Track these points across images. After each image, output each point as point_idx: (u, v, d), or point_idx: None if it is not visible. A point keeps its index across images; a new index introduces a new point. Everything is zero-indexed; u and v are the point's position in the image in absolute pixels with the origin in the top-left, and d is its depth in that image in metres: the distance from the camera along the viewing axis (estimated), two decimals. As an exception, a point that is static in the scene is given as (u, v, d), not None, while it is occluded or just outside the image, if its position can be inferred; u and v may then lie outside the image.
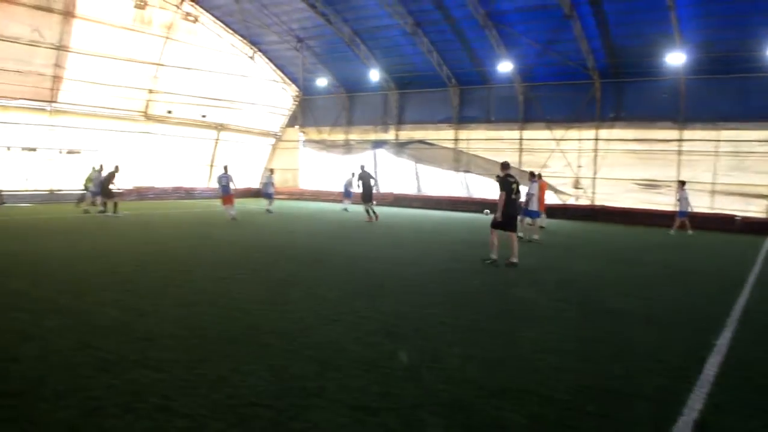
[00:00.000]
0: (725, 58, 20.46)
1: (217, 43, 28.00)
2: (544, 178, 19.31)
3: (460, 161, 26.25)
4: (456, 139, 26.96)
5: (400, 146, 28.59)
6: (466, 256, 10.88)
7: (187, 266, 8.99)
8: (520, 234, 13.48)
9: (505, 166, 10.57)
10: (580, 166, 24.02)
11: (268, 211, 21.54)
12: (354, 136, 30.44)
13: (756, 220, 20.62)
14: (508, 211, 10.10)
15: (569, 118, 23.85)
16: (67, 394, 3.73)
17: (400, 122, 28.71)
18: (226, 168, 18.79)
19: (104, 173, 19.38)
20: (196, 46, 27.05)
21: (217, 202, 20.78)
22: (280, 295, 6.97)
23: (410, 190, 28.60)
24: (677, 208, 18.81)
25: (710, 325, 5.78)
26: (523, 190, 12.48)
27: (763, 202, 20.86)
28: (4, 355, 4.49)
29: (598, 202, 23.41)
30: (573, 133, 24.04)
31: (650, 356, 4.71)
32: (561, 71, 23.60)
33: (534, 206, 14.78)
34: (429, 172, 27.59)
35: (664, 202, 22.33)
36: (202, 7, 26.51)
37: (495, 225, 10.19)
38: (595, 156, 23.66)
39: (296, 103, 32.38)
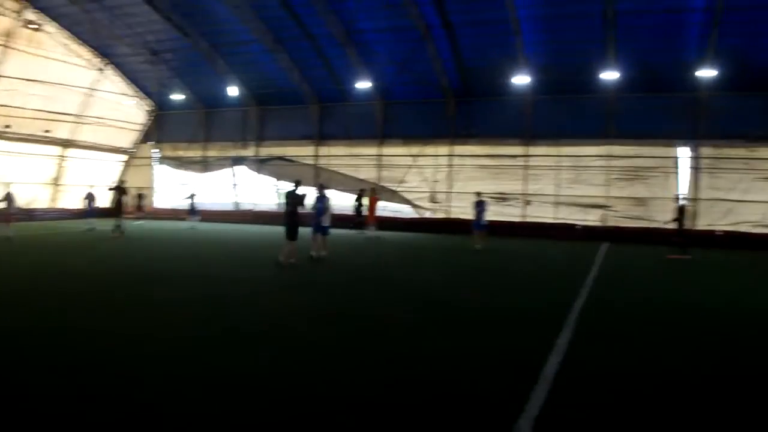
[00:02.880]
0: (564, 80, 26.52)
1: (64, 54, 31.23)
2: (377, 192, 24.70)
3: (320, 177, 29.92)
4: (316, 156, 31.53)
5: (261, 162, 32.96)
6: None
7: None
8: (312, 252, 14.99)
9: (296, 183, 14.36)
10: (436, 181, 29.36)
11: (91, 229, 24.98)
12: (212, 153, 34.60)
13: (594, 227, 26.66)
14: (288, 222, 13.43)
15: (425, 135, 28.96)
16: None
17: (261, 138, 33.16)
18: (8, 185, 22.62)
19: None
20: (40, 57, 30.13)
21: (65, 223, 24.60)
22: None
23: (271, 206, 32.66)
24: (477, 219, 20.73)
25: (553, 325, 7.23)
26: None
27: (599, 211, 27.12)
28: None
29: (453, 215, 28.55)
30: (429, 150, 29.13)
31: (496, 358, 5.88)
32: (417, 90, 29.15)
33: (324, 222, 15.36)
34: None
35: (513, 213, 28.13)
36: (47, 15, 29.59)
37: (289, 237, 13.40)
38: (450, 171, 28.92)
39: (151, 118, 36.47)
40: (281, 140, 32.74)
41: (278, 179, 33.06)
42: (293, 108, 32.27)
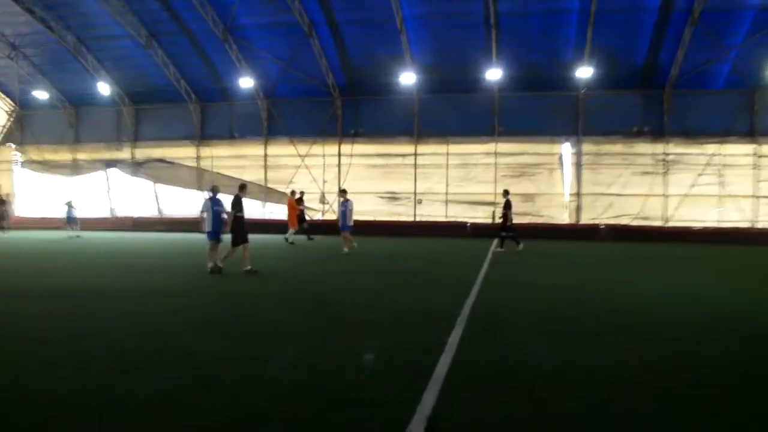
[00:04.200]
0: (451, 78, 27.47)
1: None
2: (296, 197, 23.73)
3: (203, 180, 29.82)
4: (198, 157, 31.04)
5: (137, 165, 32.02)
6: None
7: None
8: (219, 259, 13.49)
9: (240, 187, 13.45)
10: (325, 181, 29.49)
11: None
12: (83, 155, 33.08)
13: (483, 225, 27.09)
14: (235, 228, 12.92)
15: (313, 134, 29.22)
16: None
17: (137, 139, 32.10)
18: None
19: None
20: None
21: None
22: None
23: (151, 212, 31.68)
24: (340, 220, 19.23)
25: (443, 325, 7.27)
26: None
27: (488, 208, 27.59)
28: None
29: (344, 217, 29.69)
30: (317, 149, 29.43)
31: (389, 361, 5.88)
32: (303, 88, 29.22)
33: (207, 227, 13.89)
34: (171, 193, 31.30)
35: (406, 213, 28.90)
36: None
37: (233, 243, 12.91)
38: (339, 171, 29.33)
39: (11, 118, 34.53)
40: (159, 141, 31.92)
41: (156, 183, 32.16)
42: (171, 107, 31.54)
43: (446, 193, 28.70)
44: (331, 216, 29.42)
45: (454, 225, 27.85)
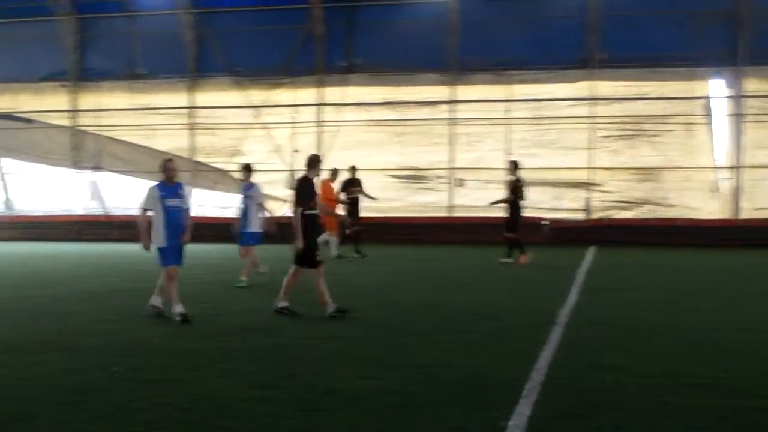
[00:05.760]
0: None
1: None
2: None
3: (84, 150, 23.31)
4: (75, 110, 23.62)
5: None
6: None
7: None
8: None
9: (310, 162, 9.40)
10: (296, 151, 21.93)
11: None
12: None
13: (569, 224, 20.54)
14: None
15: (274, 71, 22.72)
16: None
17: None
18: None
19: None
20: None
21: None
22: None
23: None
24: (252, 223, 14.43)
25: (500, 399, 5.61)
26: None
27: (580, 193, 20.95)
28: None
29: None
30: (283, 95, 22.79)
31: None
32: None
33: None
34: (29, 173, 25.13)
35: (437, 202, 21.97)
36: None
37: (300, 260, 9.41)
38: (320, 133, 22.53)
39: None
40: (6, 83, 24.16)
41: (2, 156, 24.57)
42: (27, 23, 23.79)
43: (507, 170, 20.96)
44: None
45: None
